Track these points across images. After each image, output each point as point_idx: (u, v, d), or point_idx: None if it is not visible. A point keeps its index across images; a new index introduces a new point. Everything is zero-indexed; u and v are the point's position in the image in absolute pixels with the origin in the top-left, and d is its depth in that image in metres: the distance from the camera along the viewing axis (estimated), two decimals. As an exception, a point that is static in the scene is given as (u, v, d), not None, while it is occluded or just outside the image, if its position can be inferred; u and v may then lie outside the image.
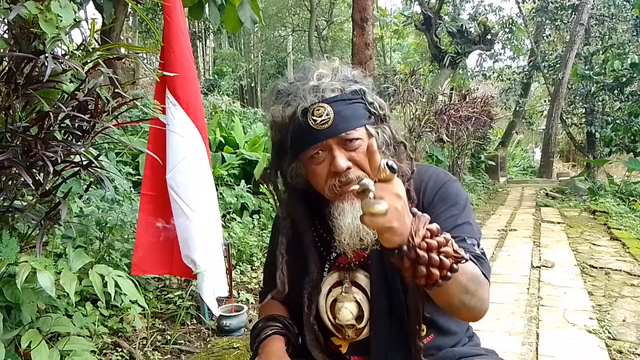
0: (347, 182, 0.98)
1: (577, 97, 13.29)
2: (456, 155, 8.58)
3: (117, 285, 1.75)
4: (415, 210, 0.81)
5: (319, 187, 1.03)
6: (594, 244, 4.93)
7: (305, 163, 1.03)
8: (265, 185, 1.14)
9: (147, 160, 2.48)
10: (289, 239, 1.11)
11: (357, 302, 1.06)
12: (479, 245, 1.02)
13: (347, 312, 1.06)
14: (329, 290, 1.10)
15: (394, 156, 1.04)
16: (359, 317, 1.07)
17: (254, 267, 3.69)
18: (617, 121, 10.29)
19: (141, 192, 2.47)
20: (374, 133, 1.02)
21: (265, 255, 1.78)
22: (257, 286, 3.32)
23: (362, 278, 1.07)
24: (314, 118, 0.96)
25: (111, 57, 1.63)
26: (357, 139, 0.99)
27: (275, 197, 1.13)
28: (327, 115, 0.96)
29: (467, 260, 0.82)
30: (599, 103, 12.37)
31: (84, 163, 1.61)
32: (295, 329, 1.14)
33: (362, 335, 1.07)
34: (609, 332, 2.62)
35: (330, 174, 0.99)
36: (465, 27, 12.25)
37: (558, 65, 13.57)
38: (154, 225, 2.46)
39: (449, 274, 0.79)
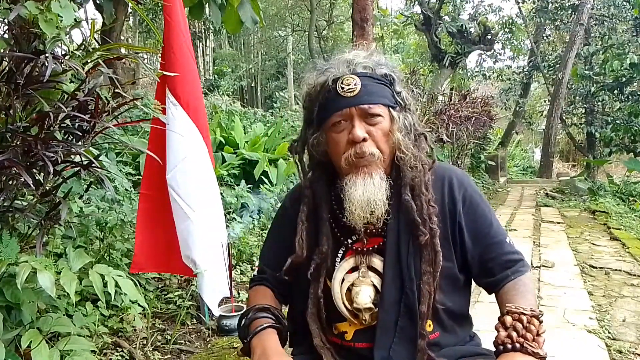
0: (361, 155, 1.03)
1: (577, 97, 13.28)
2: (456, 155, 8.58)
3: (117, 285, 1.74)
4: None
5: (336, 157, 1.08)
6: (593, 244, 4.93)
7: (326, 131, 1.09)
8: (291, 156, 1.21)
9: (147, 160, 2.49)
10: (309, 208, 1.14)
11: (374, 286, 1.08)
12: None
13: (366, 295, 1.07)
14: (344, 278, 1.10)
15: (415, 145, 1.09)
16: (376, 300, 1.08)
17: (253, 267, 3.68)
18: (617, 121, 10.28)
19: (140, 192, 2.48)
20: (395, 116, 1.07)
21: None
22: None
23: (377, 262, 1.09)
24: (342, 86, 1.05)
25: (111, 57, 1.63)
26: (379, 115, 1.05)
27: (300, 168, 1.18)
28: (354, 85, 1.04)
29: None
30: (599, 103, 12.35)
31: (84, 163, 1.61)
32: (285, 320, 1.14)
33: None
34: (609, 332, 2.62)
35: (349, 143, 1.05)
36: (465, 27, 12.22)
37: (558, 66, 13.55)
38: (151, 224, 2.47)
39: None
